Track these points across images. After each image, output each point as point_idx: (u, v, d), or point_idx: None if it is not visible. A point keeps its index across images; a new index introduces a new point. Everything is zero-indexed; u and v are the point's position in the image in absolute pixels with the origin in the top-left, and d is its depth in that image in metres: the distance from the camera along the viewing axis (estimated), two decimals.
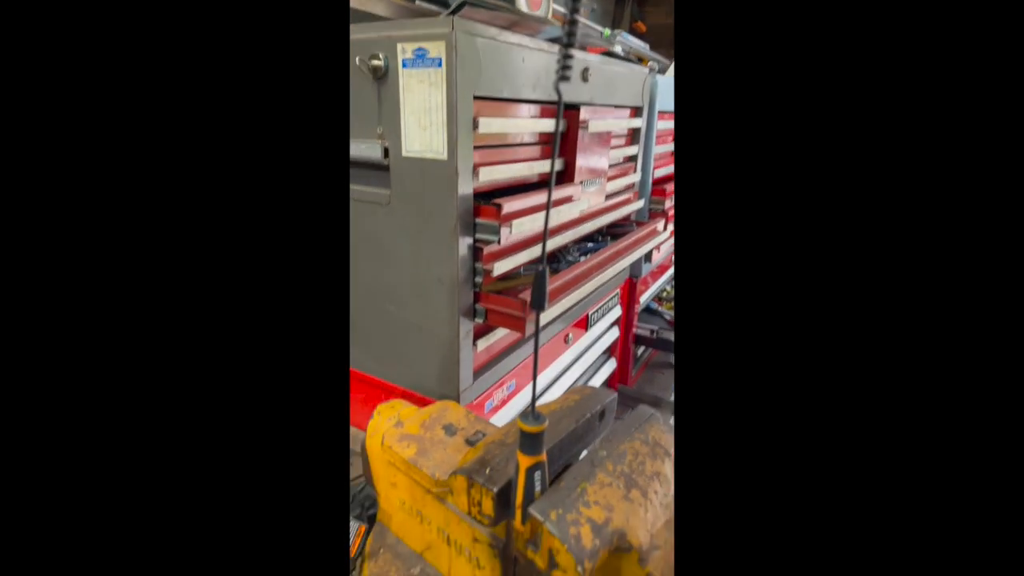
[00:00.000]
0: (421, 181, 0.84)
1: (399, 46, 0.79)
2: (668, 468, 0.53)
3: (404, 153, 0.84)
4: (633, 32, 2.82)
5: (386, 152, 0.86)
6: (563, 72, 0.34)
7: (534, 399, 0.44)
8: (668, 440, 0.56)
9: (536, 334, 0.41)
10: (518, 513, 0.45)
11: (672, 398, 1.96)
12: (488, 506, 0.47)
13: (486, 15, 0.82)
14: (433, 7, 1.06)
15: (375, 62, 0.80)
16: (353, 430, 1.13)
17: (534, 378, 0.44)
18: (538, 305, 0.40)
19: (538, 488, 0.45)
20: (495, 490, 0.47)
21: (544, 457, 0.44)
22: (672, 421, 0.50)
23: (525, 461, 0.44)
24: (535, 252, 1.01)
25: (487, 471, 0.49)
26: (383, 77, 0.81)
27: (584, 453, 0.54)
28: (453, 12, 0.76)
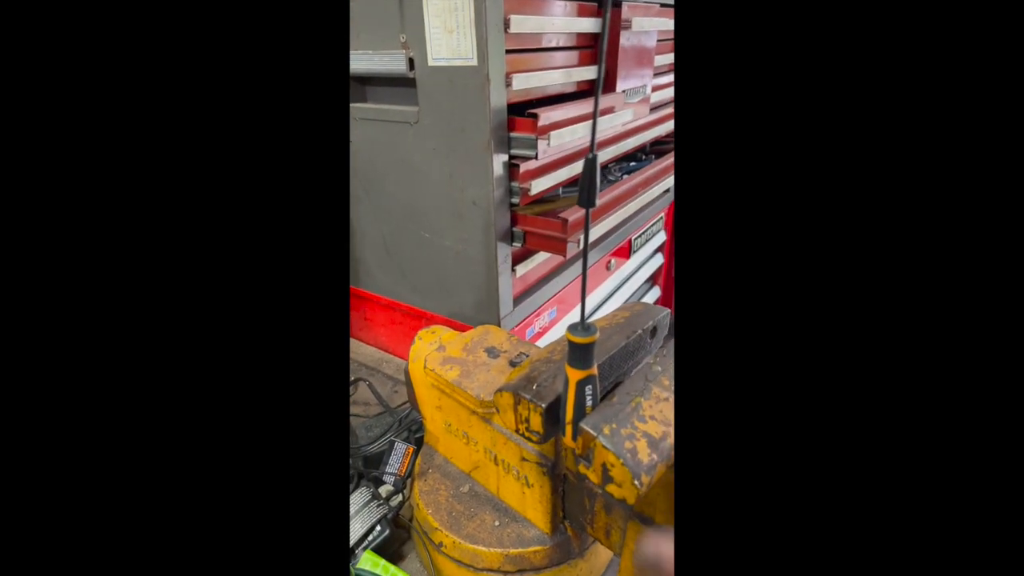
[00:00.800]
0: (451, 93, 0.78)
1: None
2: None
3: (431, 62, 0.77)
4: None
5: (411, 63, 0.79)
6: None
7: (583, 309, 0.40)
8: None
9: (586, 236, 0.36)
10: (568, 429, 0.43)
11: None
12: (536, 422, 0.45)
13: None
14: None
15: None
16: (395, 359, 1.15)
17: (583, 288, 0.40)
18: (587, 201, 0.35)
19: (589, 403, 0.42)
20: (543, 406, 0.44)
21: (595, 370, 0.41)
22: None
23: (575, 375, 0.41)
24: (576, 169, 0.94)
25: (534, 387, 0.46)
26: None
27: (636, 370, 0.50)
28: None
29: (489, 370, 0.63)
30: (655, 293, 1.78)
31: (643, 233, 1.51)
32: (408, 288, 1.02)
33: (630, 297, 1.59)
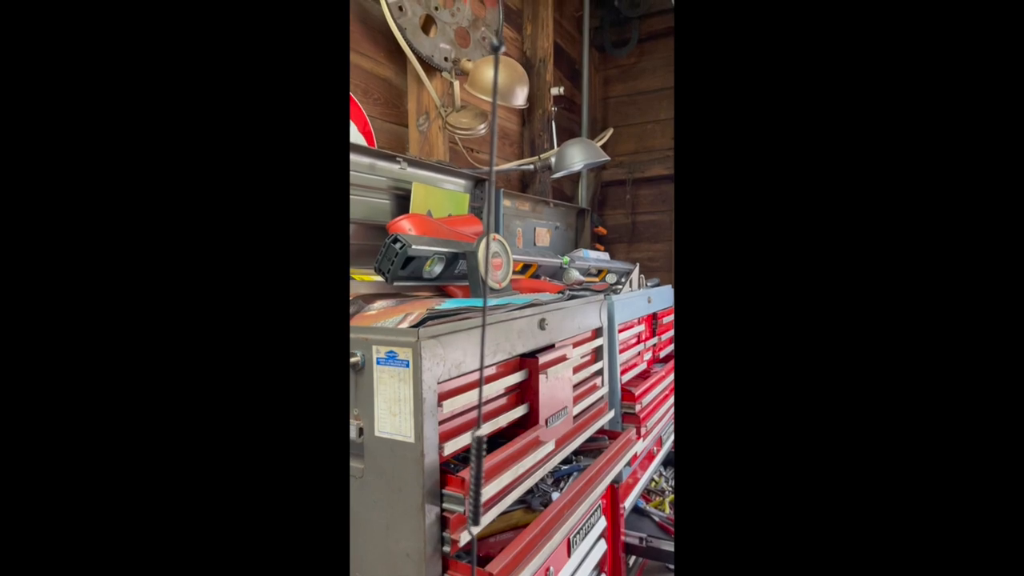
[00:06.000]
0: (392, 459, 0.92)
1: (374, 347, 0.93)
2: None
3: (376, 433, 0.94)
4: (595, 236, 3.22)
5: (360, 431, 0.96)
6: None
7: None
8: None
9: None
10: None
11: None
12: None
13: (448, 320, 0.98)
14: (410, 283, 1.27)
15: (353, 359, 0.94)
16: None
17: None
18: None
19: None
20: None
21: None
22: None
23: None
24: (503, 504, 1.05)
25: None
26: (360, 371, 0.95)
27: None
28: (417, 326, 0.92)
29: None
30: None
31: (581, 528, 1.56)
32: None
33: None
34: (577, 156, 2.03)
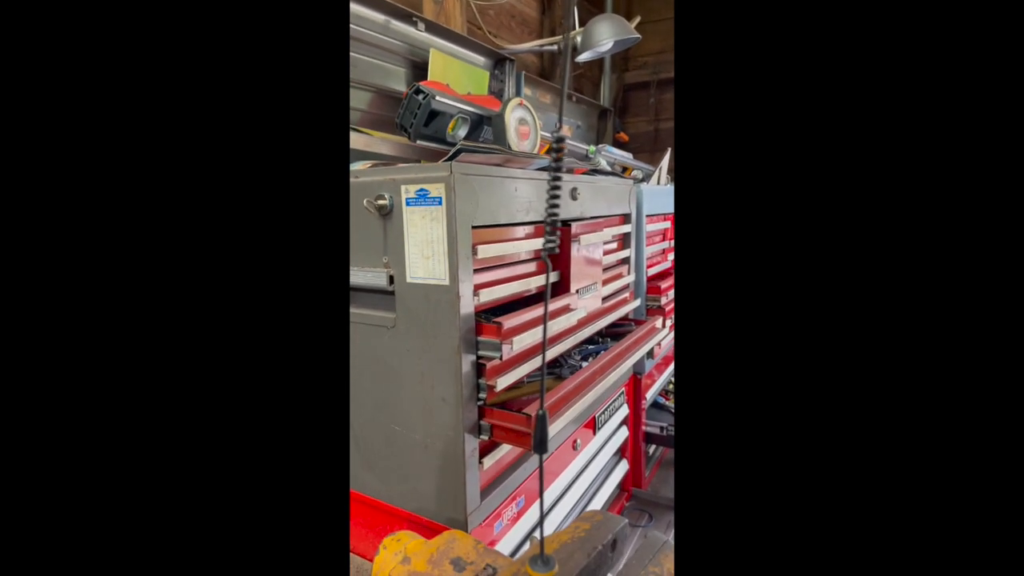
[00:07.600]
0: (426, 304, 0.89)
1: (403, 187, 0.87)
2: None
3: (408, 280, 0.89)
4: (616, 143, 3.06)
5: (391, 279, 0.92)
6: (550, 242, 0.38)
7: (542, 545, 0.44)
8: None
9: (541, 486, 0.42)
10: None
11: None
12: None
13: (481, 158, 0.91)
14: (432, 145, 1.18)
15: (381, 202, 0.88)
16: (355, 558, 1.07)
17: (541, 522, 0.44)
18: (540, 447, 0.41)
19: None
20: None
21: None
22: None
23: None
24: (537, 362, 1.03)
25: None
26: (388, 214, 0.89)
27: None
28: (450, 159, 0.85)
29: None
30: (623, 467, 1.77)
31: (607, 408, 1.57)
32: (376, 480, 1.02)
33: (599, 474, 1.58)
34: (606, 33, 1.87)
